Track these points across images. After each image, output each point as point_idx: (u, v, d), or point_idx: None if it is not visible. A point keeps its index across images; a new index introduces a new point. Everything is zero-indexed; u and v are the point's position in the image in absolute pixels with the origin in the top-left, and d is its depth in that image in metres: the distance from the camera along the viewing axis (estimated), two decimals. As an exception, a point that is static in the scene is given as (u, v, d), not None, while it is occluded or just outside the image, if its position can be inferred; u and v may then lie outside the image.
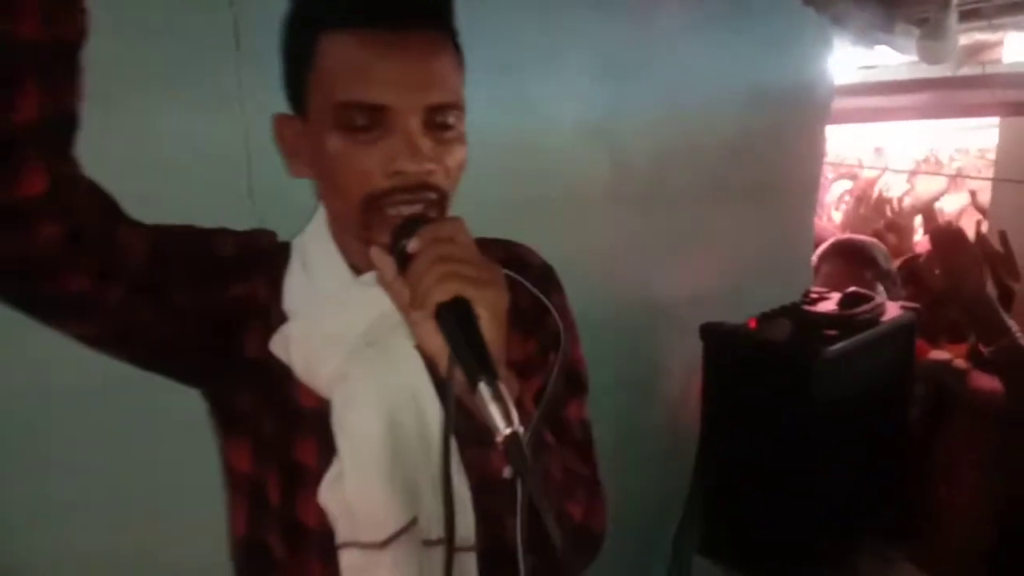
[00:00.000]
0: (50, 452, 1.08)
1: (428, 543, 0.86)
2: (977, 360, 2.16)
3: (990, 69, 2.51)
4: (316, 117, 0.81)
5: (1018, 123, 2.84)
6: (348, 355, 0.84)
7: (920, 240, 3.27)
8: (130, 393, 1.05)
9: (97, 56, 0.72)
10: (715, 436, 1.63)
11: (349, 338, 0.84)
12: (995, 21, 2.35)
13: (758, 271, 1.88)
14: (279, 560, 0.88)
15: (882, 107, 2.69)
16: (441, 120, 0.80)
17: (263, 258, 0.90)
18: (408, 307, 0.74)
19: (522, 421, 0.67)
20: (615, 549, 0.66)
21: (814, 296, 1.76)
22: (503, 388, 0.67)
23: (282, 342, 0.85)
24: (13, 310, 0.76)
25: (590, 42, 1.56)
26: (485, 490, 0.85)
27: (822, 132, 1.99)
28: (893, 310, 1.72)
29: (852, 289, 1.70)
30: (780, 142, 1.88)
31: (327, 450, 0.84)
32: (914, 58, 2.54)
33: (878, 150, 5.51)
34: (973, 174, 3.54)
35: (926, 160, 4.14)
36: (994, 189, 3.13)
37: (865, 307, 1.60)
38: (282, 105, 0.87)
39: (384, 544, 0.84)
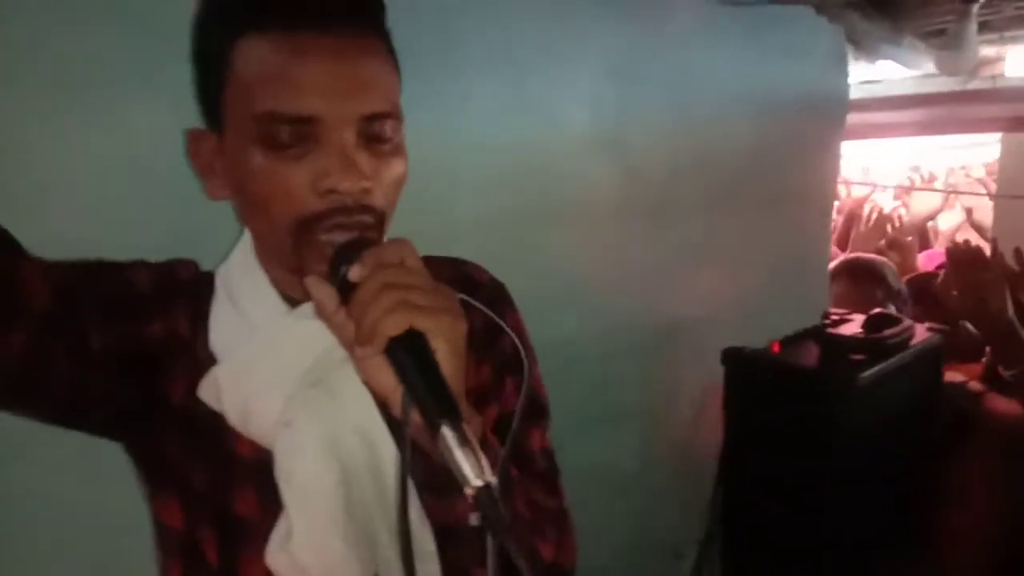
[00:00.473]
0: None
1: None
2: (992, 382, 2.10)
3: (994, 84, 2.45)
4: (234, 131, 0.70)
5: (1019, 139, 2.80)
6: (289, 399, 0.72)
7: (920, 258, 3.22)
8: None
9: (74, 49, 0.59)
10: (736, 462, 1.53)
11: (289, 379, 0.73)
12: (1006, 34, 2.31)
13: (773, 288, 1.79)
14: None
15: (883, 123, 2.63)
16: (377, 131, 0.69)
17: (183, 291, 0.79)
18: (353, 343, 0.64)
19: (488, 460, 0.59)
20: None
21: (835, 317, 1.67)
22: (468, 432, 0.59)
23: (212, 387, 0.73)
24: None
25: (601, 48, 1.48)
26: (450, 538, 0.75)
27: (838, 145, 1.91)
28: (921, 332, 1.63)
29: (877, 311, 1.62)
30: (795, 154, 1.80)
31: (269, 501, 0.73)
32: (918, 72, 2.50)
33: (865, 169, 5.50)
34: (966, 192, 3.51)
35: (921, 178, 4.11)
36: (996, 206, 3.10)
37: (895, 329, 1.51)
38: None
39: None
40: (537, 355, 0.86)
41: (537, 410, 0.87)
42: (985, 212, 3.35)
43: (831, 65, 1.82)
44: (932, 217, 3.58)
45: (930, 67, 2.36)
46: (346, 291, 0.65)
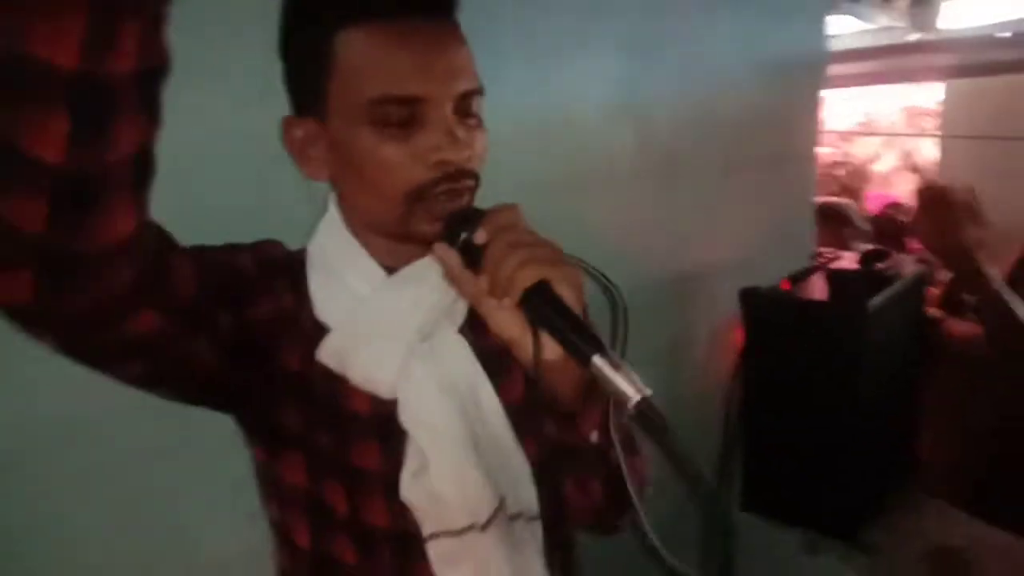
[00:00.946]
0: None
1: (512, 518, 0.88)
2: (951, 307, 2.31)
3: (937, 35, 2.64)
4: (341, 116, 0.79)
5: (961, 84, 3.02)
6: (406, 353, 0.83)
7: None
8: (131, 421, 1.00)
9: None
10: (758, 395, 1.68)
11: (404, 336, 0.83)
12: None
13: (771, 234, 1.94)
14: (350, 567, 0.86)
15: (836, 74, 2.81)
16: (469, 107, 0.81)
17: (280, 269, 0.87)
18: (483, 297, 0.76)
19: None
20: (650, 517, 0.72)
21: (829, 256, 1.85)
22: (616, 357, 0.69)
23: (333, 352, 0.83)
24: (63, 355, 0.70)
25: (615, 23, 1.58)
26: (566, 458, 0.88)
27: (820, 100, 2.07)
28: (908, 264, 1.81)
29: (870, 247, 1.79)
30: (783, 112, 1.95)
31: (388, 452, 0.84)
32: (870, 26, 2.68)
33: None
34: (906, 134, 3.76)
35: (862, 124, 4.36)
36: (943, 147, 3.33)
37: (889, 262, 1.68)
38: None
39: (486, 525, 0.85)
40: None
41: None
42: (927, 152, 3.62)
43: (813, 26, 1.97)
44: (873, 161, 3.83)
45: (884, 21, 2.56)
46: (470, 253, 0.77)
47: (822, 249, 1.96)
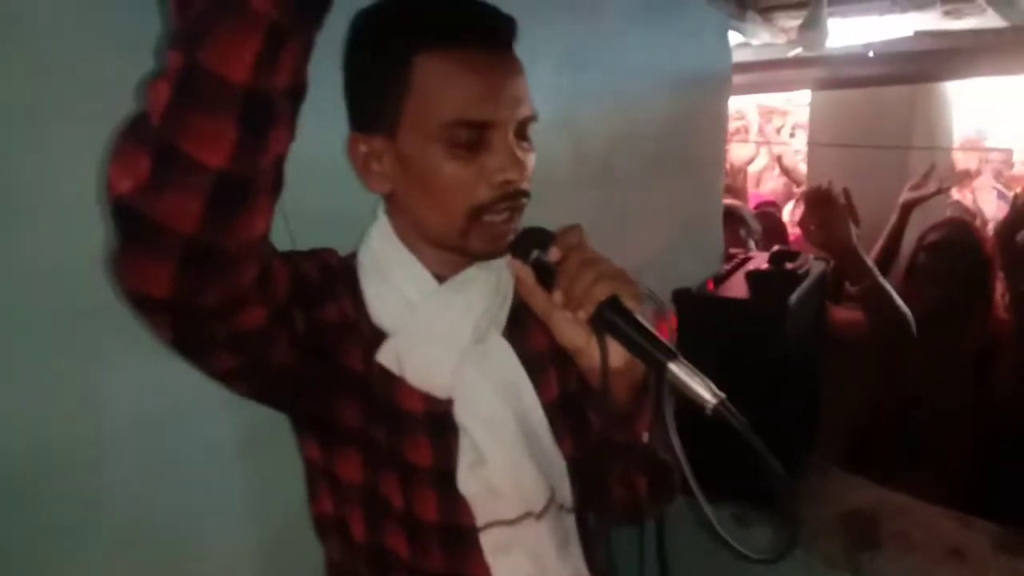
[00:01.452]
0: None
1: (563, 509, 0.96)
2: (833, 297, 2.56)
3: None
4: (412, 135, 0.85)
5: (826, 95, 3.33)
6: (461, 355, 0.90)
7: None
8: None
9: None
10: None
11: (458, 340, 0.90)
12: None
13: (687, 237, 2.10)
14: (402, 559, 0.92)
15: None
16: (525, 131, 0.89)
17: (339, 276, 0.92)
18: (554, 309, 0.84)
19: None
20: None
21: (742, 257, 2.01)
22: (690, 365, 0.76)
23: (392, 354, 0.89)
24: (170, 346, 0.74)
25: (554, 41, 1.67)
26: (618, 455, 0.95)
27: (726, 109, 2.24)
28: (813, 262, 2.01)
29: (777, 248, 1.97)
30: (695, 123, 2.10)
31: (440, 448, 0.91)
32: (752, 41, 2.91)
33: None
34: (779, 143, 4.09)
35: (737, 130, 4.67)
36: (810, 152, 3.64)
37: (799, 262, 1.86)
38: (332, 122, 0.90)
39: (540, 515, 0.92)
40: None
41: None
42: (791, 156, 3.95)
43: (718, 43, 2.14)
44: (749, 163, 4.13)
45: (766, 37, 2.79)
46: (542, 270, 0.85)
47: (733, 250, 2.13)
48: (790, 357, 1.73)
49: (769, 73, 2.68)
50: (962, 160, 4.59)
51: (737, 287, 1.81)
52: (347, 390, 0.89)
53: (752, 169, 4.31)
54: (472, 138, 0.84)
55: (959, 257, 2.47)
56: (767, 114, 5.60)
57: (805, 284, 1.82)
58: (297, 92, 0.66)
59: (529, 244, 0.86)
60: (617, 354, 0.84)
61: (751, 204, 3.62)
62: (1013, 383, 2.38)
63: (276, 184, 0.69)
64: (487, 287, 0.93)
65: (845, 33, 2.53)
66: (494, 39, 0.86)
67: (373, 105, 0.88)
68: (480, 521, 0.91)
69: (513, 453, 0.91)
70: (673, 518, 0.99)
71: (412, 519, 0.91)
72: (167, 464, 1.05)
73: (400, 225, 0.93)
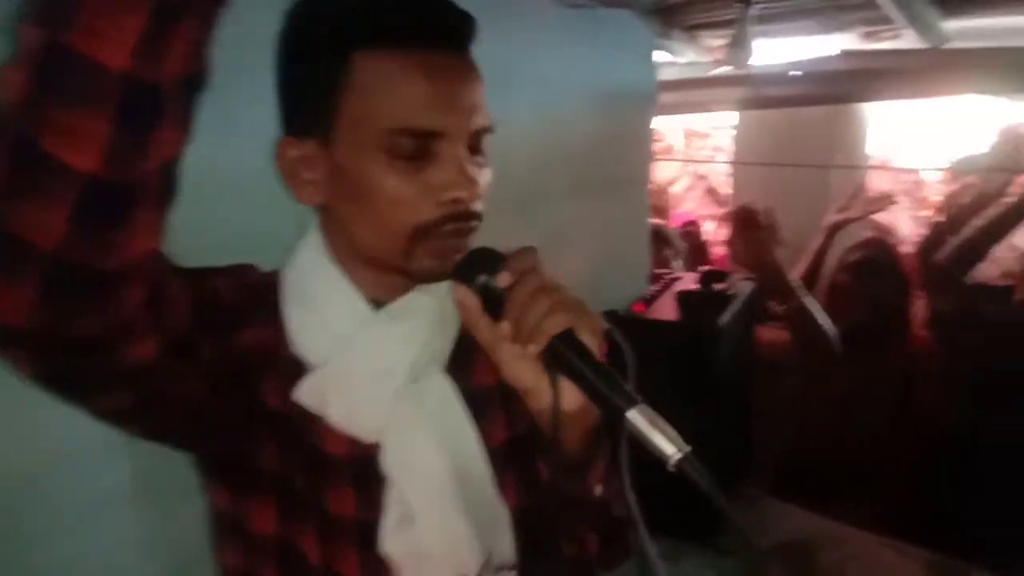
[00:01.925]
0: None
1: (501, 571, 0.85)
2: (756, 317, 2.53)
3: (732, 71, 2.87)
4: (349, 142, 0.74)
5: (751, 115, 3.32)
6: (394, 395, 0.79)
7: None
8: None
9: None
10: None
11: (395, 378, 0.79)
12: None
13: (615, 257, 2.02)
14: None
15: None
16: (479, 145, 0.78)
17: (260, 297, 0.81)
18: (501, 343, 0.73)
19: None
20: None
21: (670, 277, 1.95)
22: (651, 412, 0.66)
23: (315, 391, 0.77)
24: (41, 385, 0.63)
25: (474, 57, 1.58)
26: (569, 509, 0.84)
27: (651, 127, 2.18)
28: (743, 283, 1.95)
29: (706, 268, 1.91)
30: (622, 142, 2.04)
31: (365, 498, 0.79)
32: (677, 60, 2.88)
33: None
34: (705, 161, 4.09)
35: (663, 148, 4.66)
36: (736, 172, 3.63)
37: (728, 283, 1.81)
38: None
39: None
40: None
41: None
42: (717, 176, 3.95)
43: (643, 61, 2.08)
44: (672, 183, 4.12)
45: (691, 55, 2.76)
46: (489, 297, 0.73)
47: (658, 271, 2.07)
48: (722, 380, 1.67)
49: (694, 92, 2.64)
50: (876, 180, 4.68)
51: (666, 309, 1.75)
52: (264, 429, 0.78)
53: (674, 190, 4.31)
54: (417, 149, 0.73)
55: (878, 276, 2.48)
56: (689, 136, 5.64)
57: (735, 305, 1.76)
58: (194, 82, 0.56)
59: (476, 267, 0.74)
60: (571, 396, 0.72)
61: (677, 224, 3.60)
62: (936, 401, 2.38)
63: (165, 193, 0.58)
64: (430, 316, 0.82)
65: (772, 53, 2.50)
66: (446, 38, 0.75)
67: (306, 105, 0.76)
68: None
69: (447, 511, 0.80)
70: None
71: None
72: (47, 517, 0.94)
73: (333, 242, 0.81)
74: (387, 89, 0.73)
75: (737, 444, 1.97)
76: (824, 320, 2.33)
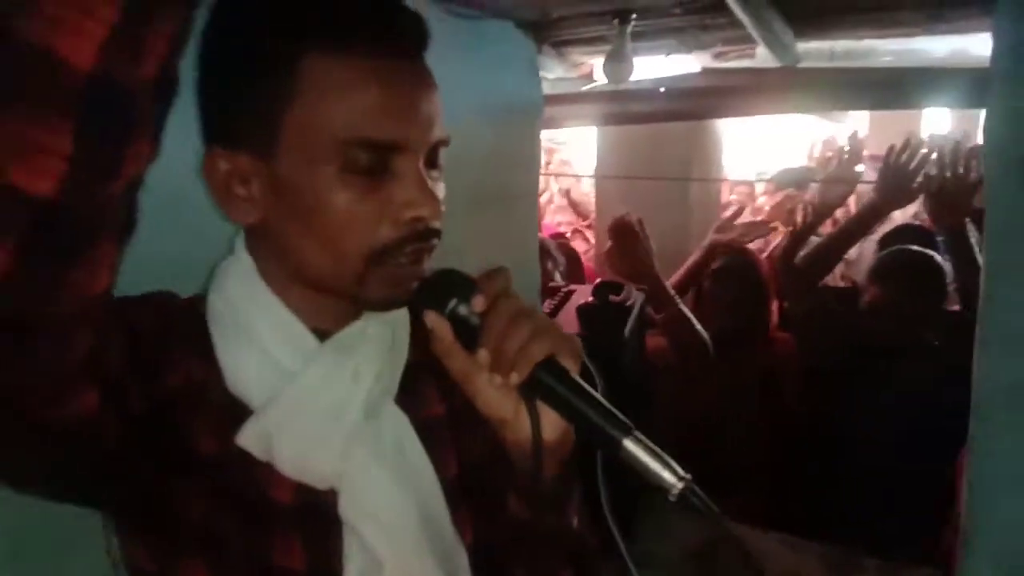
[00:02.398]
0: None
1: None
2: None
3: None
4: (295, 155, 0.67)
5: (612, 129, 3.40)
6: (349, 435, 0.71)
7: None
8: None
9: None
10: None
11: (349, 415, 0.71)
12: (592, 48, 2.78)
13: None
14: None
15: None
16: (436, 158, 0.73)
17: (183, 329, 0.71)
18: (475, 373, 0.67)
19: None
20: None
21: (565, 291, 1.93)
22: (647, 440, 0.64)
23: (259, 435, 0.69)
24: None
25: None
26: (485, 548, 0.80)
27: (538, 140, 2.17)
28: (636, 294, 1.97)
29: (601, 280, 1.91)
30: (512, 154, 2.00)
31: (315, 549, 0.71)
32: (547, 75, 2.88)
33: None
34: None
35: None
36: (598, 185, 3.70)
37: (625, 294, 1.81)
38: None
39: None
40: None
41: None
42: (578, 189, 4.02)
43: (529, 73, 2.05)
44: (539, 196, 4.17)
45: (559, 71, 2.77)
46: (462, 324, 0.67)
47: (554, 284, 2.05)
48: (626, 391, 1.65)
49: (563, 107, 2.66)
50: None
51: (567, 323, 1.72)
52: (194, 479, 0.68)
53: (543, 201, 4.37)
54: (373, 162, 0.66)
55: (738, 283, 2.58)
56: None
57: (633, 316, 1.76)
58: (165, 90, 0.48)
59: (444, 291, 0.68)
60: (552, 425, 0.68)
61: (545, 237, 3.62)
62: (800, 399, 2.50)
63: (128, 220, 0.51)
64: (381, 345, 0.74)
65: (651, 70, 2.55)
66: (403, 42, 0.68)
67: (241, 115, 0.67)
68: None
69: (417, 555, 0.72)
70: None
71: None
72: None
73: (267, 265, 0.72)
74: (341, 97, 0.65)
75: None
76: (698, 326, 2.40)
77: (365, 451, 0.72)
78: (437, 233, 0.72)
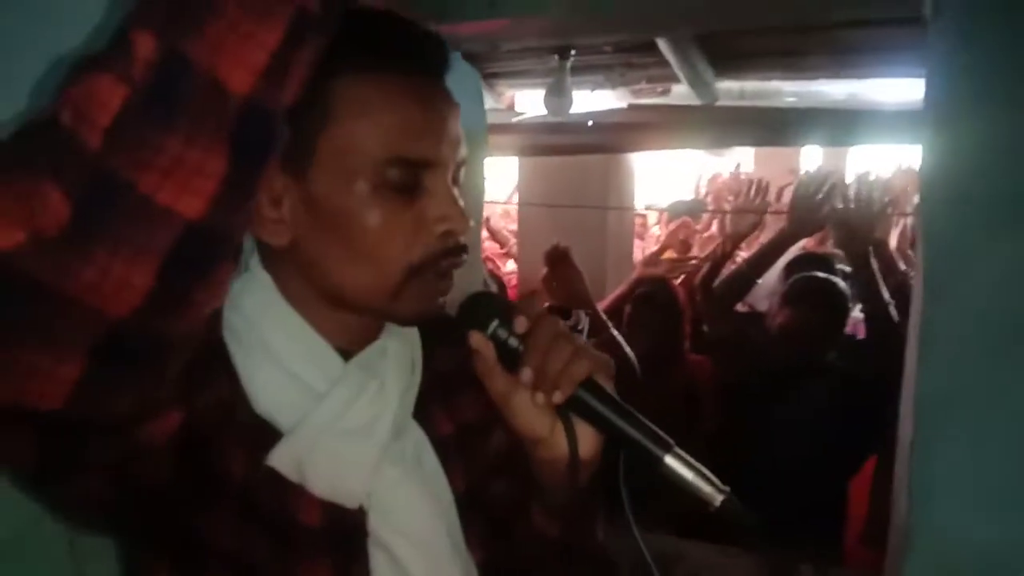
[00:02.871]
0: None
1: None
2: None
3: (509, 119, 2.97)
4: (330, 176, 0.67)
5: (532, 161, 3.47)
6: (381, 454, 0.71)
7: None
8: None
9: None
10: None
11: (380, 434, 0.71)
12: (514, 80, 2.85)
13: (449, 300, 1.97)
14: None
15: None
16: (459, 177, 0.75)
17: (207, 349, 0.68)
18: (514, 392, 0.68)
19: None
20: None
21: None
22: (686, 455, 0.66)
23: (291, 456, 0.68)
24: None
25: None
26: (489, 566, 0.81)
27: (483, 168, 2.17)
28: (583, 318, 2.00)
29: (549, 305, 1.93)
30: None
31: (343, 571, 0.71)
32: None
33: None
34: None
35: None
36: (520, 212, 3.75)
37: (574, 319, 1.84)
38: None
39: None
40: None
41: None
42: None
43: (474, 101, 2.07)
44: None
45: (490, 103, 2.81)
46: (501, 346, 0.69)
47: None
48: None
49: (497, 138, 2.70)
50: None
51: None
52: (221, 502, 0.66)
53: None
54: (407, 180, 0.67)
55: (657, 309, 2.68)
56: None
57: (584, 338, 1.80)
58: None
59: (485, 313, 0.69)
60: (586, 442, 0.69)
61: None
62: (716, 418, 2.61)
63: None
64: (403, 362, 0.75)
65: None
66: (432, 64, 0.70)
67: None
68: None
69: (446, 570, 0.73)
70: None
71: None
72: None
73: (290, 284, 0.71)
74: (377, 116, 0.66)
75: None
76: (628, 349, 2.47)
77: (394, 468, 0.72)
78: (466, 249, 0.73)
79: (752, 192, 2.73)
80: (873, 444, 2.40)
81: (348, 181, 0.67)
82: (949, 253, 1.23)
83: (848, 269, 2.65)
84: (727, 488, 0.64)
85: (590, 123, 2.48)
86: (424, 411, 0.78)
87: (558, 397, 0.66)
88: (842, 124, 2.24)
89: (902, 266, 2.63)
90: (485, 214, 4.55)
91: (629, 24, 1.61)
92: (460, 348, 0.79)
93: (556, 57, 2.05)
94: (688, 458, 0.65)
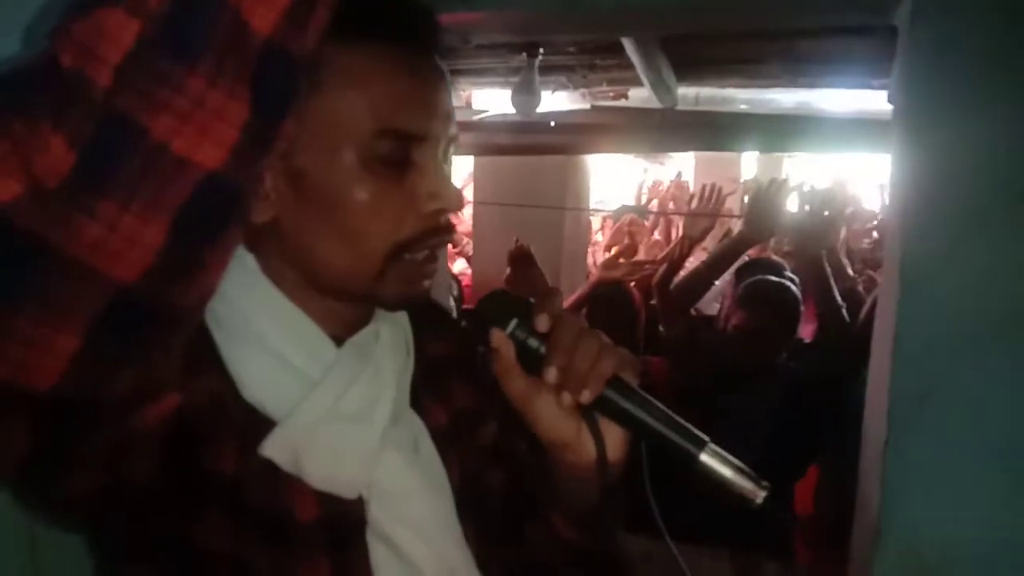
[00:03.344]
0: None
1: None
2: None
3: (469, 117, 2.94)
4: (314, 147, 0.63)
5: (487, 160, 3.43)
6: (381, 440, 0.67)
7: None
8: None
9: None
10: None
11: (379, 420, 0.67)
12: (474, 79, 2.82)
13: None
14: None
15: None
16: (448, 155, 0.71)
17: (192, 335, 0.67)
18: (536, 393, 0.65)
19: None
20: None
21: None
22: (722, 451, 0.64)
23: (286, 445, 0.64)
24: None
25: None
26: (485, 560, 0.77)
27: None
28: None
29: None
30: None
31: (342, 567, 0.67)
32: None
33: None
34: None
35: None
36: (474, 212, 3.70)
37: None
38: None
39: None
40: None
41: None
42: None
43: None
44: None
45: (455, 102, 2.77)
46: (520, 346, 0.65)
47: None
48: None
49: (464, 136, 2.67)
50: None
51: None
52: (212, 500, 0.61)
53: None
54: (397, 154, 0.63)
55: (612, 310, 2.68)
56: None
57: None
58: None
59: (504, 312, 0.65)
60: (615, 443, 0.66)
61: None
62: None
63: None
64: (397, 345, 0.71)
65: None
66: (425, 35, 0.65)
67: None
68: None
69: (452, 559, 0.69)
70: None
71: None
72: None
73: (277, 266, 0.66)
74: (368, 88, 0.62)
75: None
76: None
77: (394, 457, 0.68)
78: (455, 228, 0.70)
79: (708, 195, 2.76)
80: (822, 445, 2.44)
81: (335, 154, 0.62)
82: (924, 254, 1.24)
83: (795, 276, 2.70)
84: (767, 483, 0.62)
85: (552, 123, 2.45)
86: (418, 403, 0.74)
87: (586, 397, 0.63)
88: (801, 130, 2.28)
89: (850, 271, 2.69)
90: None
91: (602, 22, 1.59)
92: (449, 336, 0.76)
93: (524, 55, 2.02)
94: (724, 454, 0.62)
